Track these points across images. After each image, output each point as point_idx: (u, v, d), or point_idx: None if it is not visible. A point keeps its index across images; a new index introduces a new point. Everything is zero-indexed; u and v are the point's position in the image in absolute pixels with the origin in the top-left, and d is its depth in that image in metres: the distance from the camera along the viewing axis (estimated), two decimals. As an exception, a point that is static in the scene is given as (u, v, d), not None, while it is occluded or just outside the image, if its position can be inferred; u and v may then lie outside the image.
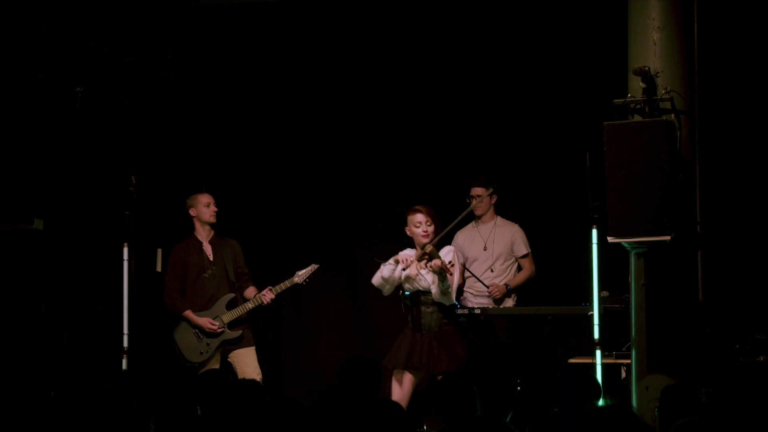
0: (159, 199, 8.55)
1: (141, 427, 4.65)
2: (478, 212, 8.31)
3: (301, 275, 8.13)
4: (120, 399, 5.00)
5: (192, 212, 8.17)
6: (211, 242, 8.17)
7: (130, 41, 8.45)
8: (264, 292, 8.06)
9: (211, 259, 8.13)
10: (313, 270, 8.17)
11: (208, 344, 8.00)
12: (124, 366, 7.63)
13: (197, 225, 8.18)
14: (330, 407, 4.76)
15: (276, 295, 8.09)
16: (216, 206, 8.15)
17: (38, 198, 7.61)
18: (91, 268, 8.13)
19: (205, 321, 7.99)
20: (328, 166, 9.19)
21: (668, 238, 6.79)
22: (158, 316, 8.39)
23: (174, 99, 8.80)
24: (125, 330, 7.69)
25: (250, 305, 8.08)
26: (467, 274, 8.18)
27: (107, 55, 8.27)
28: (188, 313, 8.04)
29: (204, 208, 8.11)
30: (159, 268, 8.32)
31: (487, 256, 8.20)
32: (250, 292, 8.17)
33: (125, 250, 7.72)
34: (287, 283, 8.11)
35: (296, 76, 9.16)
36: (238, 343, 8.06)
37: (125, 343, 7.70)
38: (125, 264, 7.71)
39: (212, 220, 8.13)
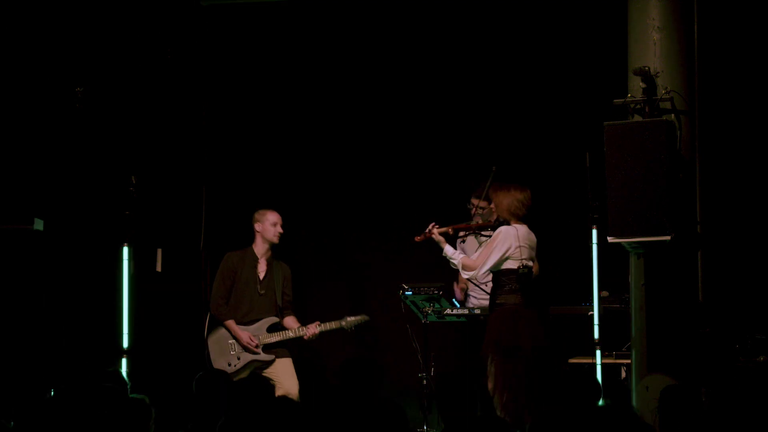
0: (159, 199, 8.54)
1: (141, 427, 4.66)
2: (477, 221, 8.27)
3: (350, 321, 8.03)
4: (120, 399, 5.00)
5: (257, 227, 8.09)
6: (267, 260, 8.12)
7: (130, 41, 8.45)
8: (310, 326, 7.99)
9: (261, 278, 8.08)
10: (362, 320, 8.07)
11: (238, 358, 7.97)
12: (124, 366, 7.63)
13: (258, 240, 8.11)
14: (330, 407, 4.76)
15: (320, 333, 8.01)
16: (282, 228, 8.08)
17: (38, 198, 7.62)
18: (91, 268, 8.12)
19: (245, 335, 7.95)
20: (327, 165, 9.18)
21: (668, 238, 6.79)
22: (158, 316, 8.38)
23: (174, 99, 8.80)
24: (125, 330, 7.69)
25: (290, 334, 8.00)
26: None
27: (107, 55, 8.27)
28: (230, 323, 7.99)
29: (270, 226, 8.05)
30: (159, 268, 8.31)
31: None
32: (290, 321, 8.10)
33: (125, 250, 7.72)
34: (333, 325, 8.02)
35: (297, 77, 9.15)
36: (269, 366, 7.99)
37: (125, 343, 7.70)
38: (125, 264, 7.71)
39: (275, 240, 8.07)
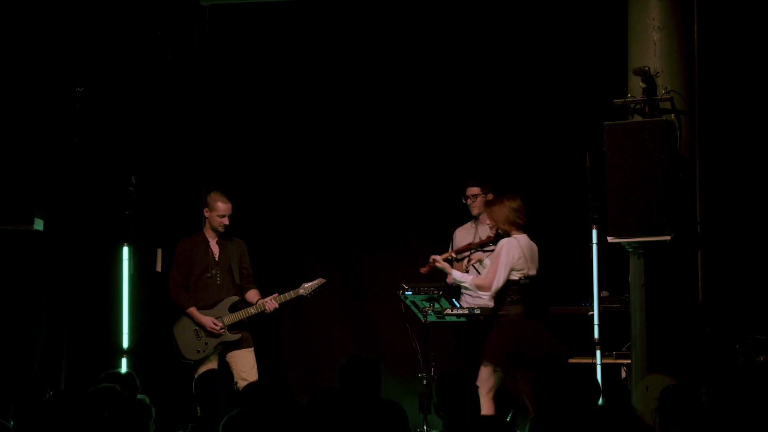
0: (159, 199, 8.55)
1: (141, 427, 4.66)
2: (473, 212, 8.29)
3: (307, 288, 8.06)
4: (118, 399, 5.01)
5: (206, 212, 8.10)
6: (218, 242, 8.13)
7: (130, 41, 8.45)
8: (268, 299, 8.00)
9: (216, 258, 8.08)
10: (319, 284, 8.09)
11: (206, 343, 7.98)
12: (124, 366, 7.63)
13: (207, 223, 8.15)
14: (329, 407, 4.76)
15: (279, 305, 8.05)
16: (229, 219, 8.04)
17: (38, 198, 7.62)
18: (91, 268, 8.13)
19: (208, 320, 7.96)
20: (327, 165, 9.18)
21: (668, 238, 6.80)
22: (158, 315, 8.38)
23: (174, 99, 8.80)
24: (125, 330, 7.69)
25: (252, 310, 8.02)
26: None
27: (107, 55, 8.27)
28: (192, 310, 7.99)
29: (217, 217, 8.03)
30: (159, 268, 8.31)
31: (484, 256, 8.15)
32: (252, 295, 8.11)
33: (125, 250, 7.72)
34: (292, 294, 8.04)
35: (297, 77, 9.14)
36: (236, 346, 8.03)
37: (125, 343, 7.70)
38: (125, 264, 7.71)
39: (220, 230, 8.06)
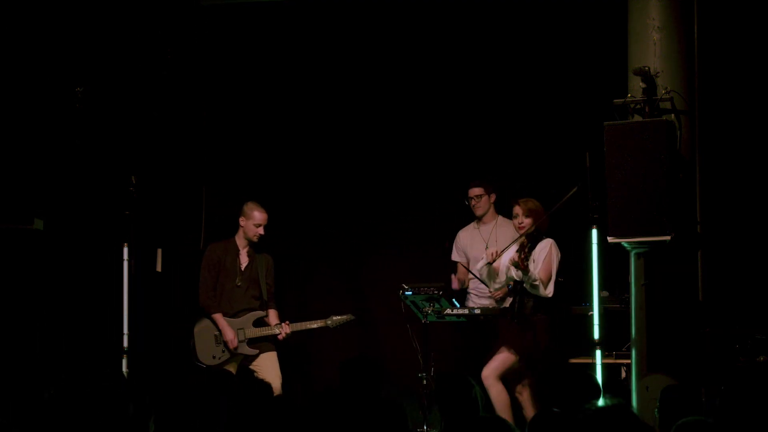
0: (159, 199, 8.54)
1: (141, 427, 4.65)
2: (478, 213, 8.29)
3: (335, 320, 8.09)
4: (120, 399, 5.00)
5: (241, 221, 8.07)
6: (248, 252, 8.11)
7: (130, 41, 8.45)
8: (283, 325, 8.01)
9: (242, 269, 8.07)
10: (347, 320, 8.13)
11: (223, 351, 7.97)
12: (124, 366, 7.63)
13: (240, 232, 8.11)
14: (329, 407, 4.76)
15: (293, 333, 8.04)
16: (264, 230, 8.04)
17: (38, 198, 7.62)
18: (91, 268, 8.13)
19: (230, 333, 7.94)
20: (328, 165, 9.19)
21: (668, 238, 6.80)
22: (158, 316, 8.39)
23: (174, 99, 8.80)
24: (125, 330, 7.69)
25: (268, 331, 8.03)
26: (469, 276, 8.16)
27: (107, 55, 8.27)
28: (218, 317, 7.97)
29: (253, 226, 8.02)
30: (159, 268, 8.31)
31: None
32: (272, 315, 8.12)
33: (125, 250, 7.72)
34: (313, 324, 8.08)
35: (297, 77, 9.15)
36: (254, 359, 8.01)
37: (125, 343, 7.70)
38: (125, 264, 7.71)
39: (254, 240, 8.05)
